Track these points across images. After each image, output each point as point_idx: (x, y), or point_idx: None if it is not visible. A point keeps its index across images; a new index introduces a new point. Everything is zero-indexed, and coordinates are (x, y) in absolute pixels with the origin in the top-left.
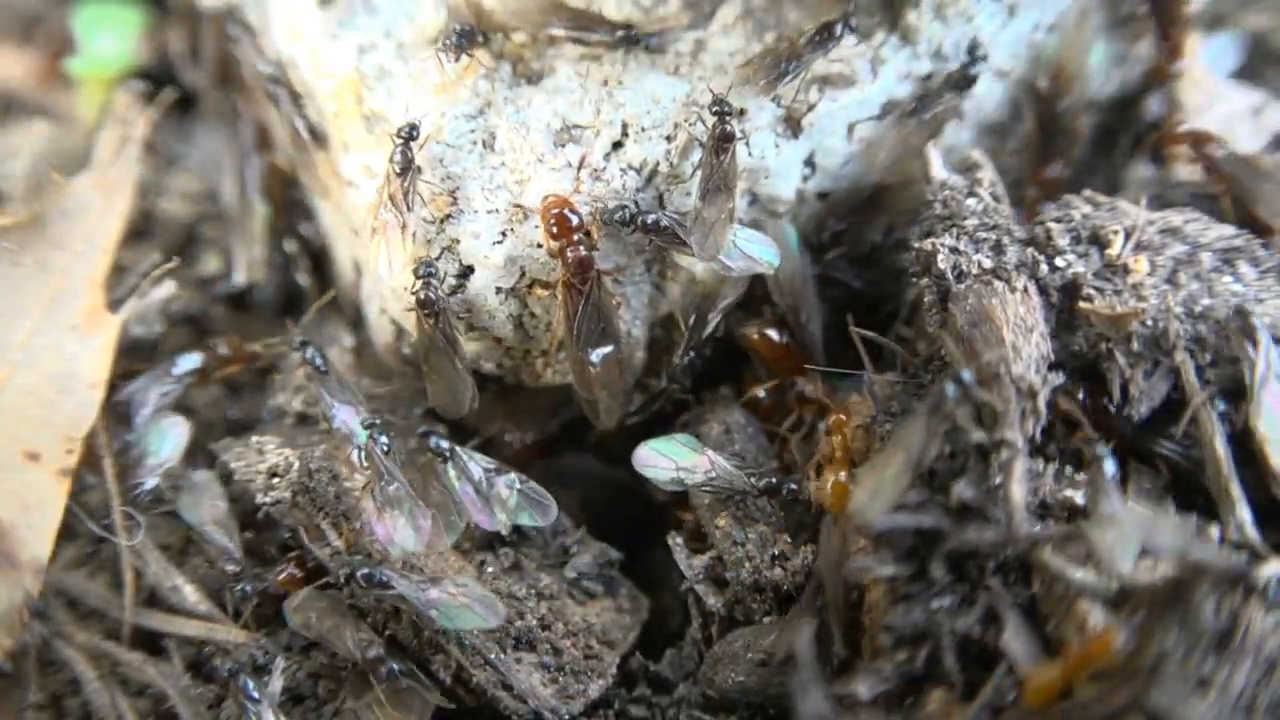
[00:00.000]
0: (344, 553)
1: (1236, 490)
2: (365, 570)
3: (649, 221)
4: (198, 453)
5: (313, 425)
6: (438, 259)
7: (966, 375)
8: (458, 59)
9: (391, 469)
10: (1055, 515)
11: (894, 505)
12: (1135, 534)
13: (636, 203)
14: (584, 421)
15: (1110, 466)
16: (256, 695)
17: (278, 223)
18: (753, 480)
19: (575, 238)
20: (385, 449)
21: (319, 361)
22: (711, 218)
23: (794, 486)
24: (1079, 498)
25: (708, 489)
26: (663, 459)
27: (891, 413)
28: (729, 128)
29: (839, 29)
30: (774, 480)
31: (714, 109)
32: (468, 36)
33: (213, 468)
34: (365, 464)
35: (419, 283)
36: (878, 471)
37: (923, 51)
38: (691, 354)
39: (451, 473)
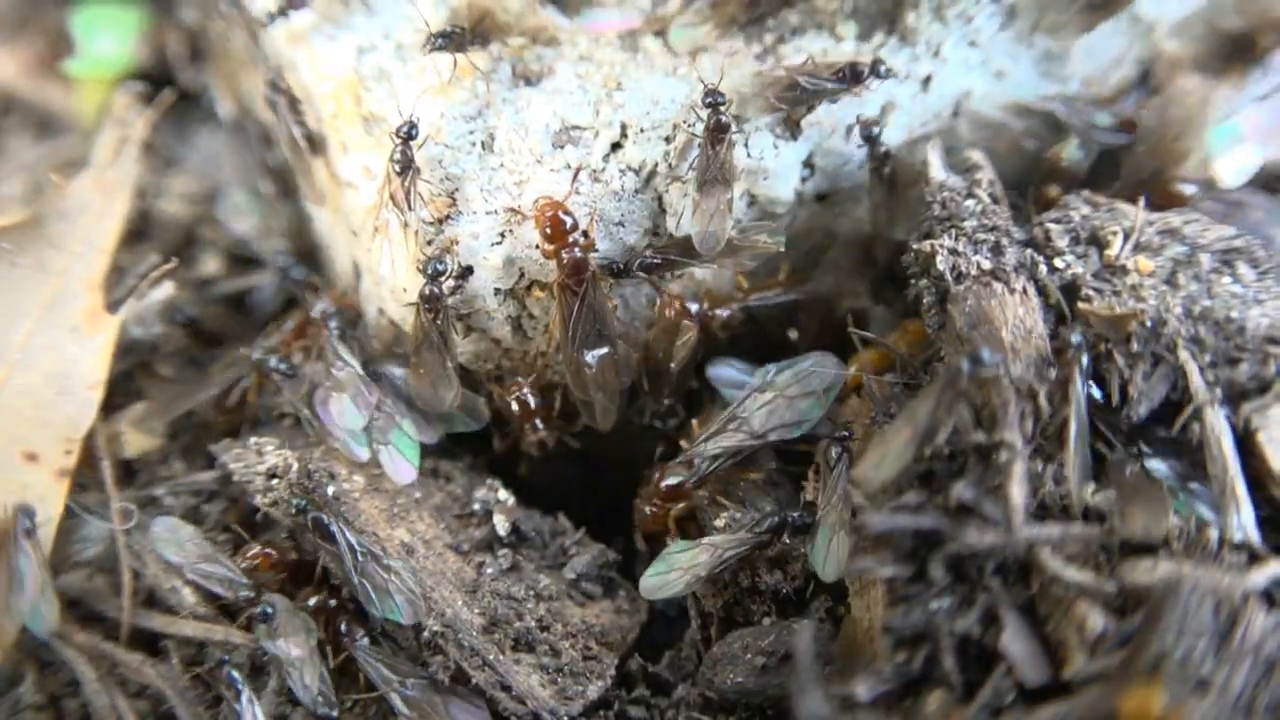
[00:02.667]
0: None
1: (1241, 490)
2: (315, 514)
3: (645, 265)
4: (197, 453)
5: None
6: (443, 259)
7: (986, 354)
8: (430, 52)
9: (342, 353)
10: (1054, 516)
11: (898, 475)
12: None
13: (633, 249)
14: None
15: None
16: (240, 685)
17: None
18: (757, 531)
19: (570, 239)
20: (339, 333)
21: (284, 368)
22: (710, 209)
23: (797, 514)
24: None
25: (723, 566)
26: (669, 574)
27: (891, 414)
28: (724, 118)
29: (865, 73)
30: (776, 519)
31: (707, 100)
32: (452, 38)
33: (212, 468)
34: (320, 346)
35: (426, 278)
36: (884, 443)
37: (922, 53)
38: (668, 401)
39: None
